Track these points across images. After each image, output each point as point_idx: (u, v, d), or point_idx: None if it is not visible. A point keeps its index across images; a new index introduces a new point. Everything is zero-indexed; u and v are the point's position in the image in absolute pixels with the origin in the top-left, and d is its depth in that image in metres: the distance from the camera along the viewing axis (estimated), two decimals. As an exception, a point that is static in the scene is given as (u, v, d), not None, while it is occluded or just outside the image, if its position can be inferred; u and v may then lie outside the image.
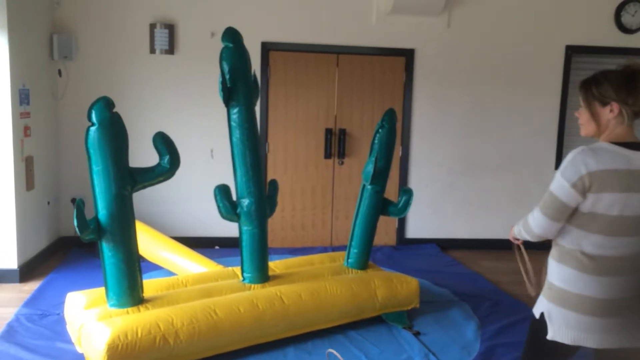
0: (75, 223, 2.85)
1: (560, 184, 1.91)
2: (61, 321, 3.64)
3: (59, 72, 5.33)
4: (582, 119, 2.05)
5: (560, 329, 1.97)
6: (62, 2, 5.27)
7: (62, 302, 3.58)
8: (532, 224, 2.04)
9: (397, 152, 5.79)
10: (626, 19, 5.90)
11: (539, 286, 2.19)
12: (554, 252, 2.03)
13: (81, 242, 3.08)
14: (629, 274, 1.92)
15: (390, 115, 3.93)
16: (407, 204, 3.97)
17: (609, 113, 1.94)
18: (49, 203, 5.22)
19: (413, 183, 5.90)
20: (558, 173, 1.93)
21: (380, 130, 3.91)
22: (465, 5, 5.75)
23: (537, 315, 2.05)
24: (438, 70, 5.82)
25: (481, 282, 4.90)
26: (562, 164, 1.94)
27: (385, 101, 5.75)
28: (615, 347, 1.94)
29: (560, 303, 1.97)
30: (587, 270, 1.92)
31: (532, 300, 2.20)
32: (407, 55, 5.76)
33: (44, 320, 3.76)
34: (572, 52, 5.92)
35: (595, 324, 1.92)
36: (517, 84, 5.91)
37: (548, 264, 2.05)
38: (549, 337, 1.99)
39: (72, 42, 5.22)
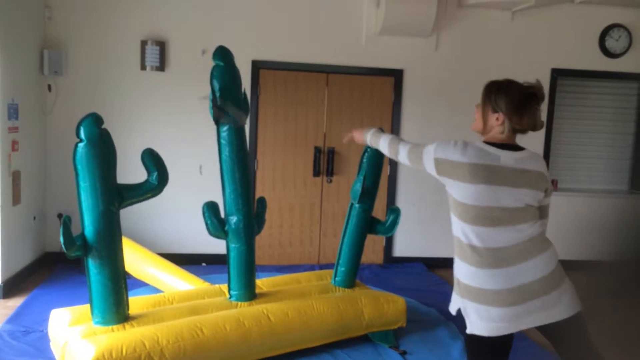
0: (62, 240, 2.84)
1: (429, 151, 2.20)
2: (45, 338, 3.60)
3: (49, 87, 5.33)
4: (476, 115, 2.26)
5: (475, 322, 2.09)
6: (54, 17, 5.29)
7: (46, 319, 3.53)
8: (400, 157, 2.39)
9: (385, 171, 5.82)
10: (610, 43, 6.02)
11: None
12: (455, 248, 2.20)
13: (67, 258, 3.05)
14: (517, 263, 2.06)
15: (378, 134, 3.96)
16: (394, 222, 3.99)
17: (495, 120, 2.16)
18: (35, 218, 5.18)
19: (401, 202, 5.93)
20: (435, 143, 2.20)
21: (368, 149, 3.93)
22: (453, 27, 5.84)
23: (453, 312, 2.20)
24: (426, 91, 5.89)
25: (468, 301, 4.91)
26: (444, 141, 2.19)
27: (374, 120, 5.81)
28: (529, 327, 2.08)
29: (469, 297, 2.11)
30: (481, 265, 2.08)
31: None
32: (396, 76, 5.83)
33: (27, 337, 3.71)
34: (558, 75, 6.03)
35: (503, 313, 2.05)
36: (503, 105, 5.99)
37: (454, 261, 2.22)
38: (468, 331, 2.12)
39: (63, 57, 5.23)
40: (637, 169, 6.39)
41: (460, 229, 2.14)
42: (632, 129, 6.35)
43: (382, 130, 2.62)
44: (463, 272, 2.15)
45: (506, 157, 2.10)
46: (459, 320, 4.34)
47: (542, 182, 2.17)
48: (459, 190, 2.11)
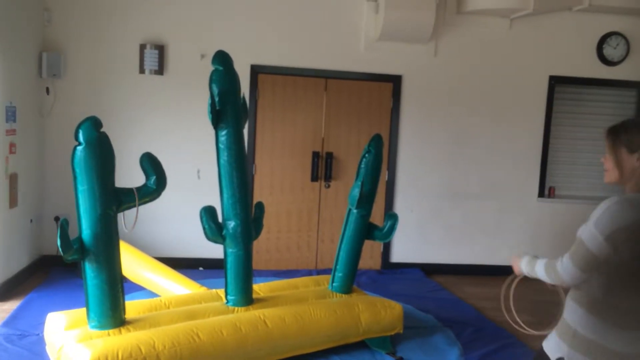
0: (59, 243, 2.83)
1: (592, 235, 1.84)
2: (41, 342, 3.58)
3: (47, 90, 5.33)
4: (607, 165, 1.99)
5: None
6: (53, 20, 5.30)
7: (42, 323, 3.51)
8: (561, 272, 1.95)
9: (383, 176, 5.83)
10: (608, 51, 6.05)
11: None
12: (582, 298, 1.95)
13: (63, 262, 3.04)
14: None
15: (377, 140, 3.97)
16: (392, 228, 3.99)
17: (636, 161, 1.89)
18: (31, 221, 5.17)
19: (398, 208, 5.93)
20: (591, 222, 1.86)
21: (366, 155, 3.94)
22: (452, 34, 5.86)
23: (552, 358, 1.98)
24: (424, 97, 5.90)
25: (465, 308, 4.92)
26: (596, 212, 1.86)
27: (372, 126, 5.81)
28: None
29: (585, 352, 1.91)
30: (617, 324, 1.87)
31: (516, 327, 2.20)
32: (395, 82, 5.84)
33: (23, 340, 3.70)
34: (556, 82, 6.05)
35: None
36: (501, 112, 6.01)
37: (568, 306, 1.99)
38: None
39: (61, 60, 5.23)
40: (634, 176, 6.40)
41: (604, 287, 1.89)
42: (629, 136, 6.36)
43: (536, 256, 2.21)
44: (588, 325, 1.91)
45: None
46: (455, 327, 4.36)
47: None
48: (624, 252, 1.83)
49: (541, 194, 6.14)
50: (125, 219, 3.23)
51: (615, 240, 1.81)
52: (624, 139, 1.92)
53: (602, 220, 1.83)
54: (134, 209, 3.17)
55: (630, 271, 1.84)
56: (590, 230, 1.85)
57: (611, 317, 1.87)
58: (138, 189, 3.14)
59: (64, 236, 2.85)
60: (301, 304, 3.69)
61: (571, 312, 1.95)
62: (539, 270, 2.08)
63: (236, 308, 3.57)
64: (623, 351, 1.87)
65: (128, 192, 3.11)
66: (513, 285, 2.28)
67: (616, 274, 1.85)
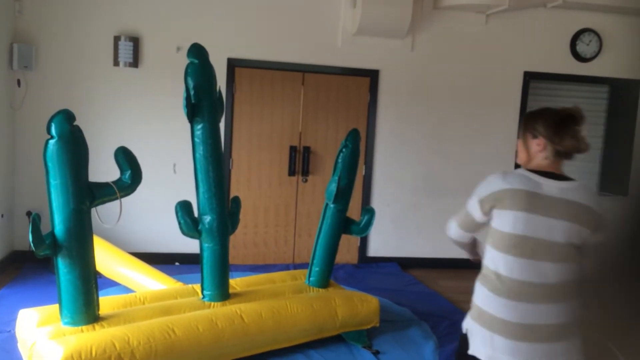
0: (31, 238, 2.78)
1: (471, 199, 2.16)
2: (12, 339, 3.52)
3: (18, 82, 5.21)
4: (518, 147, 2.21)
5: (478, 345, 2.08)
6: (24, 11, 5.18)
7: (14, 319, 3.44)
8: (448, 228, 2.31)
9: (360, 171, 5.84)
10: (581, 47, 6.15)
11: None
12: (480, 274, 2.15)
13: (36, 257, 2.99)
14: (539, 302, 1.99)
15: (354, 135, 3.97)
16: (369, 223, 4.00)
17: (536, 146, 2.10)
18: (2, 216, 5.07)
19: (375, 202, 5.96)
20: (475, 190, 2.15)
21: (343, 149, 3.95)
22: (429, 29, 5.89)
23: (463, 331, 2.17)
24: (401, 92, 5.92)
25: (440, 301, 4.97)
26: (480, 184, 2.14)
27: (349, 120, 5.82)
28: None
29: (478, 321, 2.09)
30: (499, 293, 2.02)
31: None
32: (372, 76, 5.86)
33: (-7, 338, 3.63)
34: (530, 78, 6.13)
35: (506, 345, 2.00)
36: (477, 107, 6.07)
37: (475, 285, 2.18)
38: (470, 351, 2.10)
39: (33, 52, 5.12)
40: (605, 171, 6.53)
41: (491, 257, 2.08)
42: (601, 132, 6.50)
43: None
44: (480, 295, 2.10)
45: (549, 186, 2.00)
46: (431, 320, 4.40)
47: (589, 217, 2.00)
48: (497, 218, 2.05)
49: (515, 188, 6.21)
50: (100, 214, 3.19)
51: (484, 204, 2.08)
52: (530, 125, 2.13)
53: (479, 188, 2.13)
54: (112, 204, 3.13)
55: (506, 242, 2.01)
56: (471, 196, 2.15)
57: (495, 287, 2.04)
58: (113, 183, 3.09)
59: (36, 231, 2.79)
60: (278, 299, 3.69)
61: (474, 289, 2.16)
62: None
63: (212, 303, 3.55)
64: (508, 320, 2.00)
65: (102, 186, 3.07)
66: None
67: (494, 243, 2.05)
